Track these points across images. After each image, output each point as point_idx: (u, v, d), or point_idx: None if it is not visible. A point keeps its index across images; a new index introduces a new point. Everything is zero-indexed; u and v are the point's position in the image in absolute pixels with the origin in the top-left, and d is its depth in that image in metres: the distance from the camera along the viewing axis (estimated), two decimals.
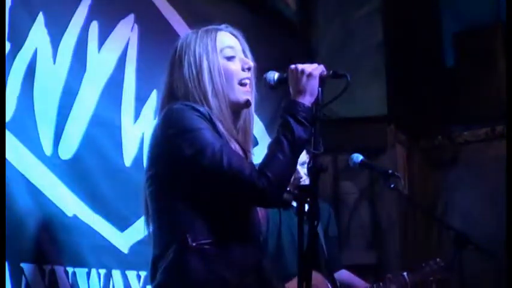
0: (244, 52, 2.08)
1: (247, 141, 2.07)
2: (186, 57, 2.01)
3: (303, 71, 1.95)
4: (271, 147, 1.91)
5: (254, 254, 1.97)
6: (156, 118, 2.05)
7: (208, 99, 1.95)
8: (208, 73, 1.97)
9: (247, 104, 2.04)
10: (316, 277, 3.12)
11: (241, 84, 2.02)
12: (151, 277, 1.95)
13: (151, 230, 2.00)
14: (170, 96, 2.01)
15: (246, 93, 2.03)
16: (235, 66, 2.03)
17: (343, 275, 3.50)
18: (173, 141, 1.87)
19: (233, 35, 2.08)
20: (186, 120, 1.88)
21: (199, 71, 1.98)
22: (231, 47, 2.04)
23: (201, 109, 1.91)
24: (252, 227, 2.00)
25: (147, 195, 1.97)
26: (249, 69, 2.04)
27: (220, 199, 1.89)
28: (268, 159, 1.88)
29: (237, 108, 2.04)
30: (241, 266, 1.90)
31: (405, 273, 3.41)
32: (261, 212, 2.13)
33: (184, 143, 1.86)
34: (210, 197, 1.89)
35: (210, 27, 2.08)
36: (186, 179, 1.88)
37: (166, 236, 1.90)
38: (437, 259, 3.50)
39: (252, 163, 1.95)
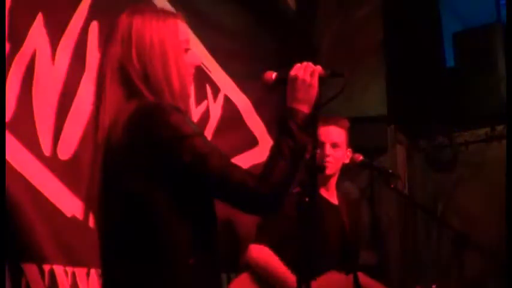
0: None
1: None
2: (148, 35, 1.87)
3: (304, 81, 1.93)
4: (271, 154, 1.85)
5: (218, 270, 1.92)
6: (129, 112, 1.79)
7: (175, 87, 1.85)
8: (175, 63, 1.87)
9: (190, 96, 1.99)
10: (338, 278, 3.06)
11: (190, 76, 1.95)
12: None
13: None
14: (122, 78, 1.84)
15: (191, 86, 1.96)
16: (188, 59, 1.94)
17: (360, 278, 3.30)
18: (169, 146, 1.74)
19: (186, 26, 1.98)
20: (181, 123, 1.76)
21: (165, 61, 1.86)
22: (187, 41, 1.95)
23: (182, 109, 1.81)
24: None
25: (119, 199, 1.79)
26: (198, 66, 1.98)
27: (207, 209, 1.85)
28: (270, 167, 1.81)
29: None
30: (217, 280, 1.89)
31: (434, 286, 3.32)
32: None
33: (183, 148, 1.74)
34: (201, 207, 1.83)
35: (166, 10, 1.98)
36: (180, 187, 1.77)
37: (151, 251, 1.77)
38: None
39: (248, 171, 1.83)
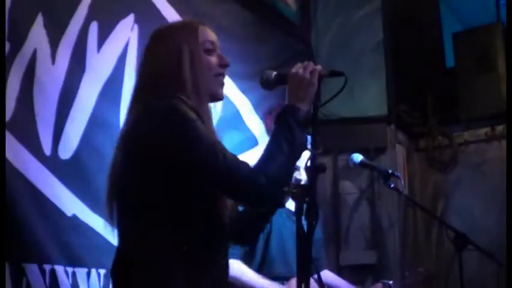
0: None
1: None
2: (165, 46, 1.98)
3: (304, 79, 1.94)
4: (269, 147, 1.88)
5: (223, 265, 1.96)
6: (132, 111, 1.97)
7: (187, 89, 1.92)
8: (189, 62, 1.94)
9: (221, 97, 2.04)
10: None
11: (218, 76, 2.02)
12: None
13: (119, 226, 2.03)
14: (145, 88, 1.96)
15: (222, 86, 2.03)
16: (213, 59, 2.02)
17: (327, 275, 3.43)
18: (165, 135, 1.82)
19: (213, 32, 2.08)
20: (178, 114, 1.83)
21: (179, 60, 1.94)
22: (211, 42, 2.03)
23: (189, 103, 1.89)
24: (223, 235, 1.98)
25: (126, 189, 1.92)
26: (226, 65, 2.03)
27: (204, 201, 1.88)
28: (266, 159, 1.85)
29: (212, 101, 2.05)
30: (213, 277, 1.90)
31: (391, 282, 3.36)
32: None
33: (178, 136, 1.81)
34: (197, 196, 1.87)
35: (191, 20, 2.12)
36: (178, 175, 1.83)
37: (148, 235, 1.88)
38: (420, 268, 3.46)
39: (246, 162, 1.89)
